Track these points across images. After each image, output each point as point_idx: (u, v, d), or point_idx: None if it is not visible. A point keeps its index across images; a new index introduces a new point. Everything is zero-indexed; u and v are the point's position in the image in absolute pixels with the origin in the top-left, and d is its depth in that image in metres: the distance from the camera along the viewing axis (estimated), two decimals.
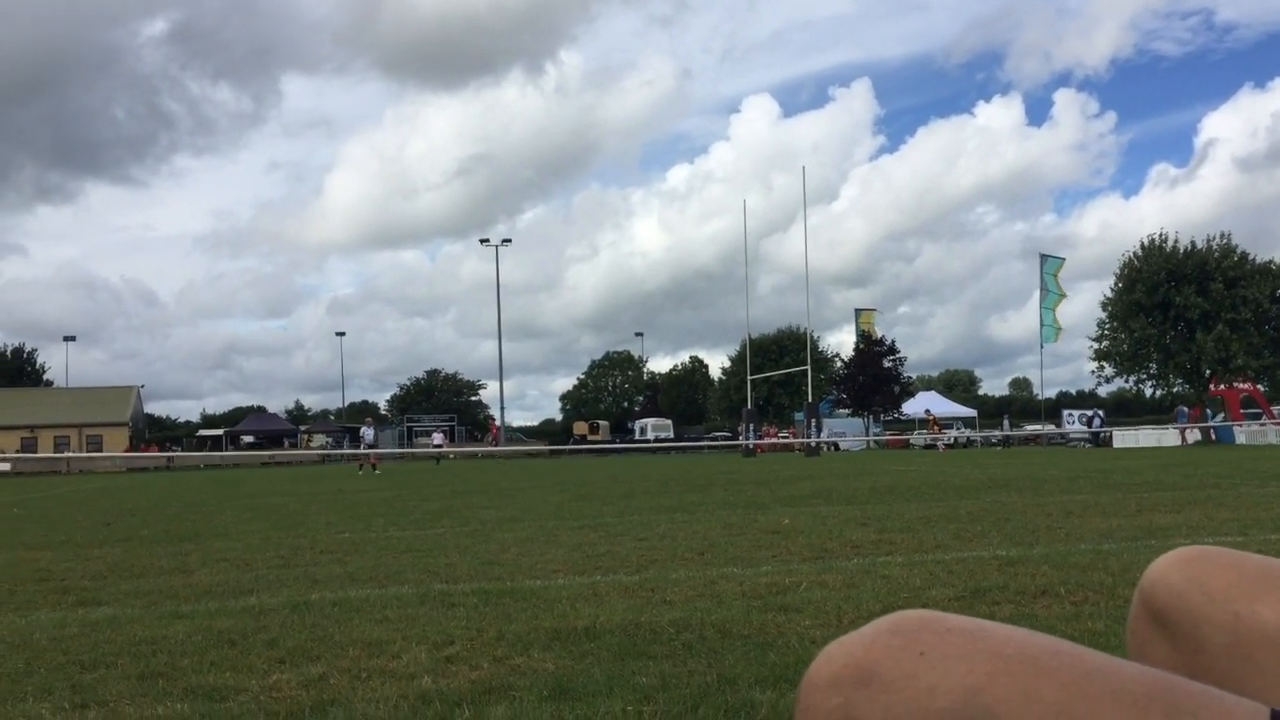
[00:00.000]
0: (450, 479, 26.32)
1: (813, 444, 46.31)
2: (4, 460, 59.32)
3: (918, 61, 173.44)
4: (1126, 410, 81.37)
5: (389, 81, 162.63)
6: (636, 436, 70.52)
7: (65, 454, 62.58)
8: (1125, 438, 47.70)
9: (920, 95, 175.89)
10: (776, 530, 9.35)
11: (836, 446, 55.79)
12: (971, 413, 73.31)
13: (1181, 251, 56.07)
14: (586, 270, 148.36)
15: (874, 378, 65.89)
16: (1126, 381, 60.16)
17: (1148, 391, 61.92)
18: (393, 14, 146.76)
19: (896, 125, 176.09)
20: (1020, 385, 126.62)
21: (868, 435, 58.82)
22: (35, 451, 65.89)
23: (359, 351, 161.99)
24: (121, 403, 78.20)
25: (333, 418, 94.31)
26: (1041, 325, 63.18)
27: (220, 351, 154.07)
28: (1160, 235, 56.88)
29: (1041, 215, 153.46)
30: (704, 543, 8.45)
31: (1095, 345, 58.17)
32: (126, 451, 64.28)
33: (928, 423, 56.00)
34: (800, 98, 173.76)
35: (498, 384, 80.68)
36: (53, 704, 3.71)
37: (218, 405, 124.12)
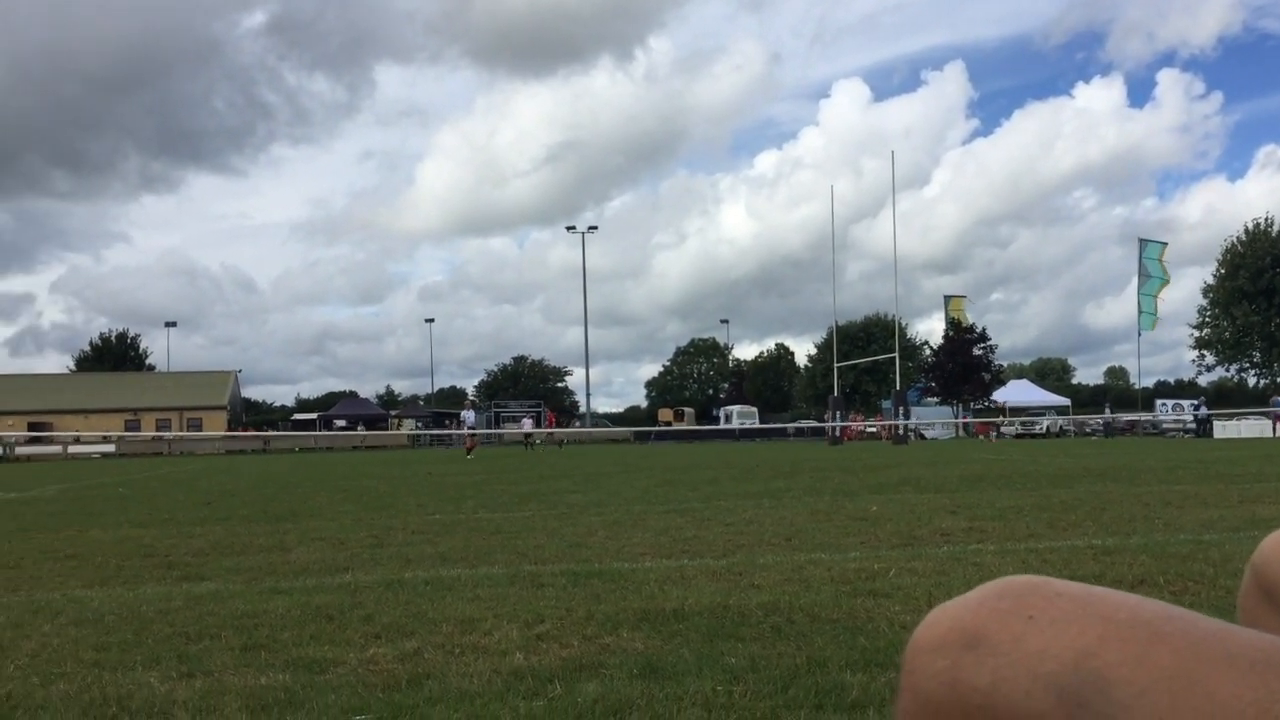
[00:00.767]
0: (537, 464, 26.58)
1: (900, 432, 45.79)
2: (109, 442, 61.47)
3: (1014, 43, 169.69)
4: (1228, 400, 79.02)
5: (480, 70, 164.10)
6: (721, 424, 70.43)
7: (166, 436, 64.59)
8: (1227, 428, 46.28)
9: (1016, 77, 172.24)
10: (864, 517, 9.28)
11: (923, 435, 55.04)
12: (1065, 401, 71.78)
13: None
14: (673, 257, 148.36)
15: (963, 366, 64.90)
16: (1228, 370, 58.27)
17: (1250, 380, 59.94)
18: (484, 3, 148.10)
19: (991, 108, 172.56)
20: (1116, 374, 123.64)
21: (956, 421, 57.93)
22: (138, 433, 68.13)
23: (448, 338, 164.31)
24: (220, 387, 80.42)
25: (422, 403, 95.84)
26: (1140, 312, 61.54)
27: (315, 337, 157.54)
28: (1266, 220, 54.93)
29: (1142, 199, 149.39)
30: (791, 528, 8.43)
31: (1196, 333, 56.46)
32: (225, 434, 66.11)
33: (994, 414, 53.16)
34: (892, 81, 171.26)
35: (584, 370, 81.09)
36: (161, 672, 3.84)
37: (312, 390, 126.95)
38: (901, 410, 48.22)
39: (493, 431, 57.40)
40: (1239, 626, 0.75)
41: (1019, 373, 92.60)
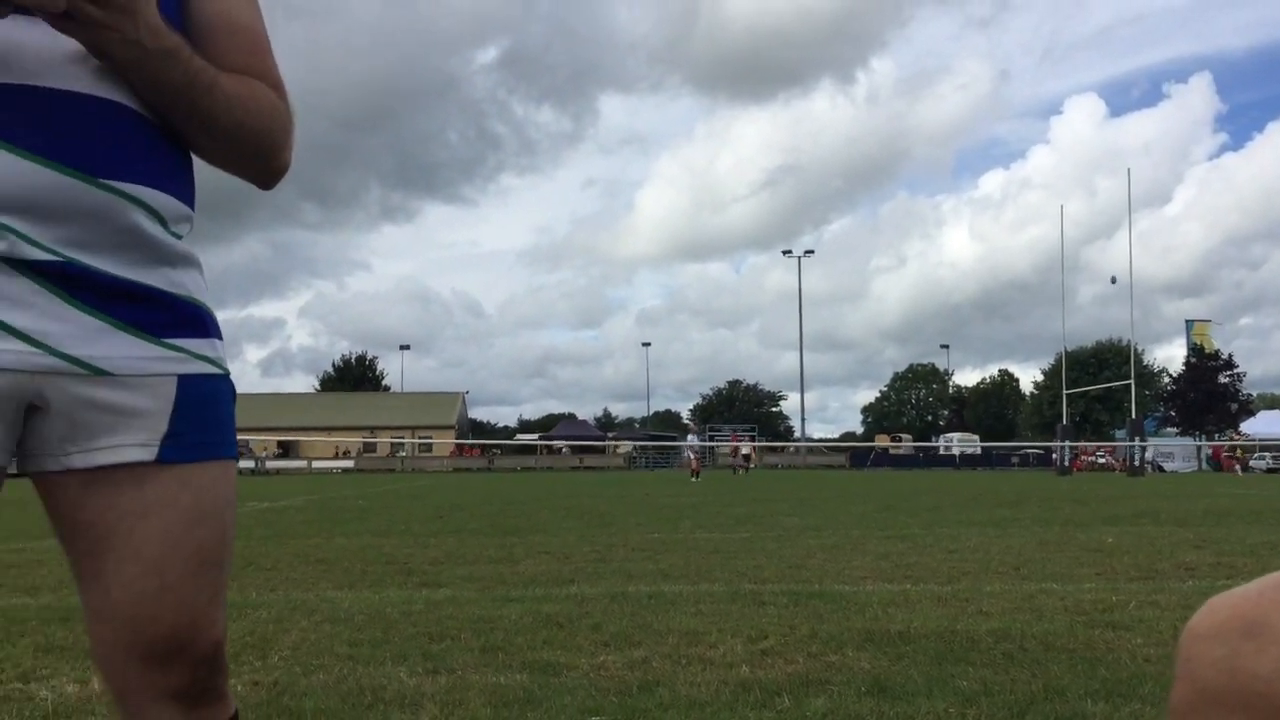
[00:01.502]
0: (752, 487, 26.59)
1: (1135, 463, 43.33)
2: (348, 458, 65.34)
3: (1265, 52, 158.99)
4: None
5: (700, 97, 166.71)
6: (941, 451, 68.46)
7: (400, 453, 68.06)
8: None
9: (1269, 88, 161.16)
10: (1098, 549, 8.86)
11: (1161, 467, 51.90)
12: None
13: None
14: (892, 281, 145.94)
15: (1207, 394, 60.94)
16: None
17: None
18: (705, 31, 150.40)
19: (1241, 121, 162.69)
20: None
21: (1199, 451, 54.37)
22: (374, 451, 72.08)
23: (664, 361, 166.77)
24: (449, 407, 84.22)
25: (638, 425, 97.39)
26: None
27: (537, 360, 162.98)
28: None
29: None
30: (1019, 558, 8.14)
31: None
32: (452, 454, 69.14)
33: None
34: (1130, 95, 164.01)
35: (799, 395, 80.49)
36: (408, 668, 4.09)
37: (534, 411, 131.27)
38: (1137, 440, 45.59)
39: (708, 445, 57.74)
40: None
41: (1270, 403, 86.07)
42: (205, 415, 1.41)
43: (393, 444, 73.66)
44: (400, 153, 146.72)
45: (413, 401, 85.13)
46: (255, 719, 3.40)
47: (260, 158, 1.49)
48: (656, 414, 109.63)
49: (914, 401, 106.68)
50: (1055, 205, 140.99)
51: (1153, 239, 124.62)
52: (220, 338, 1.47)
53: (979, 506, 15.95)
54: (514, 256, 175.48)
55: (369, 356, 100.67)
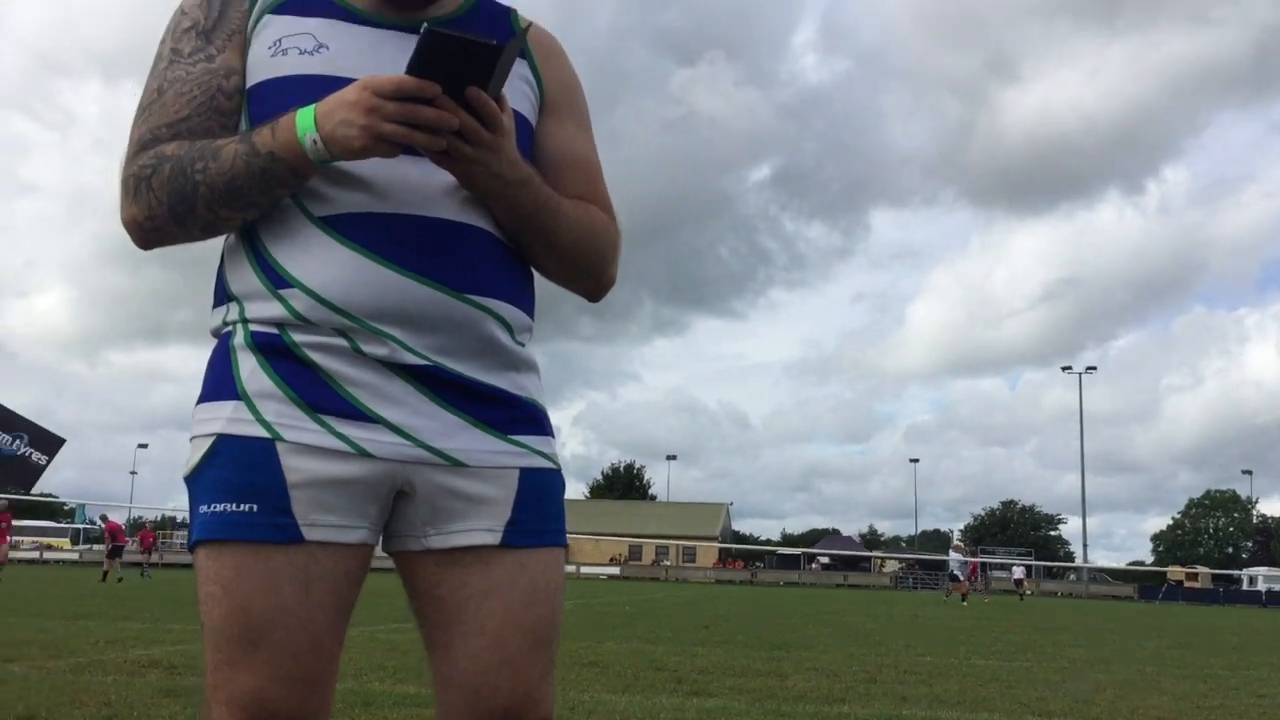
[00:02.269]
0: (1031, 613, 25.14)
1: None
2: (614, 564, 66.57)
3: None
4: None
5: (975, 209, 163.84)
6: (1244, 586, 62.43)
7: (664, 561, 68.71)
8: None
9: None
10: None
11: None
12: None
13: None
14: (1186, 400, 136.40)
15: None
16: None
17: None
18: (981, 143, 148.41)
19: None
20: None
21: None
22: (640, 559, 73.08)
23: (933, 479, 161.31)
24: (713, 518, 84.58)
25: (904, 544, 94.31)
26: None
27: (802, 474, 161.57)
28: None
29: None
30: None
31: None
32: (715, 564, 69.15)
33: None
34: None
35: (1080, 519, 75.87)
36: None
37: (797, 525, 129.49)
38: None
39: (974, 560, 55.04)
40: None
41: None
42: (541, 505, 1.56)
43: (658, 551, 74.46)
44: (673, 268, 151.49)
45: (678, 511, 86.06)
46: None
47: (592, 273, 1.68)
48: (924, 533, 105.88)
49: (1212, 531, 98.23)
50: None
51: None
52: (553, 435, 1.63)
53: None
54: (781, 369, 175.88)
55: (637, 465, 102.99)
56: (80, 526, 67.70)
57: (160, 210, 1.49)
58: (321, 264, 1.47)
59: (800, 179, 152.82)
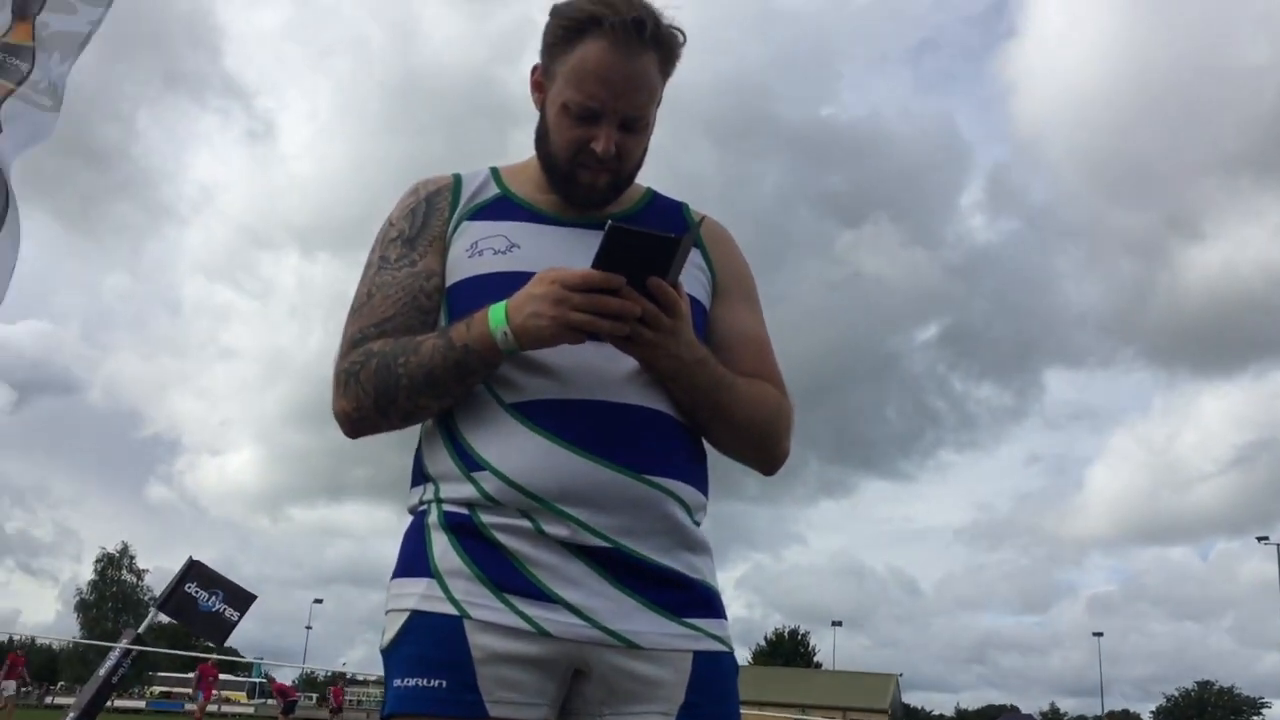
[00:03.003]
0: None
1: None
2: None
3: None
4: None
5: (1157, 370, 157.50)
6: None
7: None
8: None
9: None
10: None
11: None
12: None
13: None
14: None
15: None
16: None
17: None
18: (1162, 302, 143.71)
19: None
20: None
21: None
22: None
23: (1120, 654, 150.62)
24: (882, 690, 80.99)
25: None
26: None
27: (975, 645, 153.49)
28: None
29: None
30: None
31: None
32: None
33: None
34: None
35: None
36: None
37: (972, 700, 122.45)
38: None
39: None
40: None
41: None
42: (715, 689, 1.60)
43: None
44: (839, 428, 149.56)
45: (844, 681, 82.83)
46: None
47: (767, 447, 1.75)
48: (1111, 713, 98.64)
49: None
50: None
51: None
52: (725, 618, 1.68)
53: None
54: (952, 533, 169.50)
55: (802, 631, 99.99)
56: (256, 681, 69.64)
57: (366, 401, 1.63)
58: (510, 448, 1.57)
59: (969, 338, 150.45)
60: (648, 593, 1.57)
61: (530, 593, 1.53)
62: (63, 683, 68.68)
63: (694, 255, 1.75)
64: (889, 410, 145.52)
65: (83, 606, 69.11)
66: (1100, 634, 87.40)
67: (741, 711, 1.69)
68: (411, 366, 1.59)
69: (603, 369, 1.60)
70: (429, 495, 1.65)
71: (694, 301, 1.69)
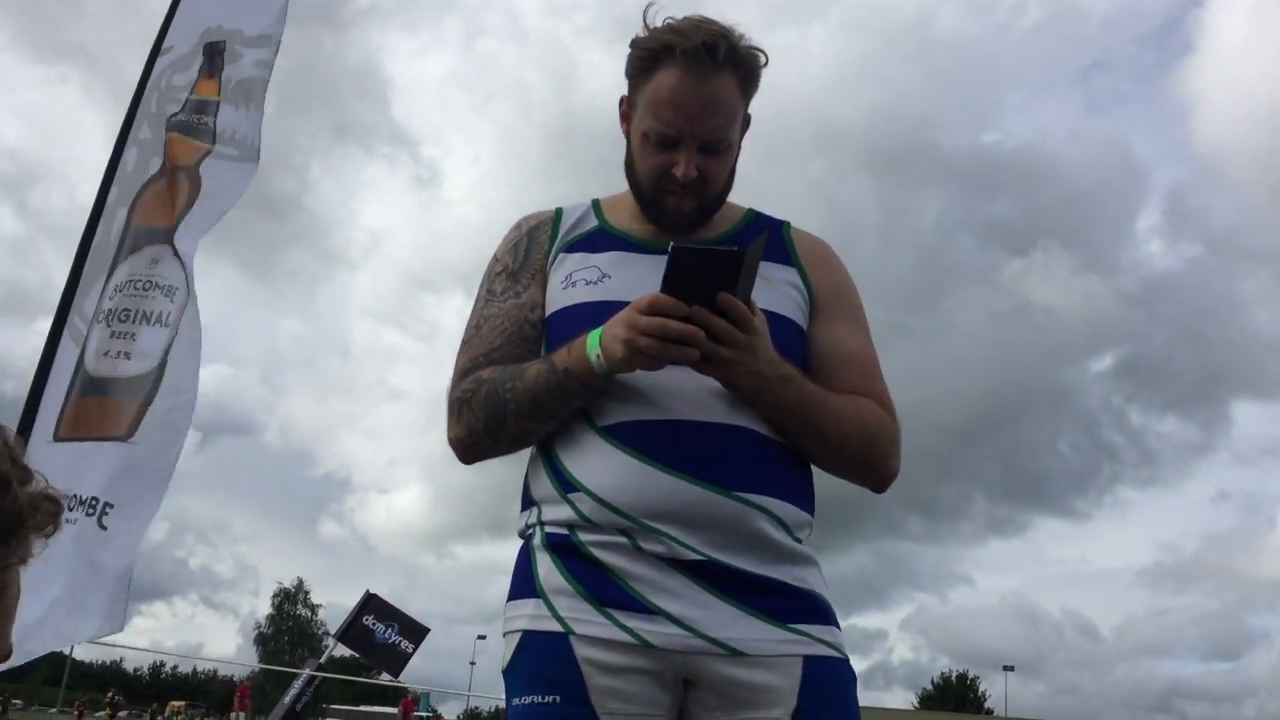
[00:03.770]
0: None
1: None
2: None
3: None
4: None
5: None
6: None
7: None
8: None
9: None
10: None
11: None
12: None
13: None
14: None
15: None
16: None
17: None
18: None
19: None
20: None
21: None
22: None
23: None
24: None
25: None
26: None
27: (1161, 693, 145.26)
28: None
29: None
30: None
31: None
32: None
33: None
34: None
35: None
36: None
37: None
38: None
39: None
40: None
41: None
42: (829, 694, 1.60)
43: None
44: (1008, 464, 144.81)
45: None
46: None
47: (869, 465, 1.75)
48: None
49: None
50: None
51: None
52: (838, 626, 1.68)
53: None
54: (1133, 575, 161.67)
55: (970, 675, 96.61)
56: (426, 715, 71.22)
57: (478, 426, 1.71)
58: (603, 469, 1.63)
59: (1149, 370, 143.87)
60: (749, 600, 1.59)
61: (631, 606, 1.58)
62: (244, 714, 71.58)
63: (789, 274, 1.80)
64: (1062, 445, 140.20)
65: (261, 640, 72.15)
66: None
67: None
68: (518, 391, 1.67)
69: (689, 389, 1.64)
70: (533, 519, 1.71)
71: (787, 320, 1.73)
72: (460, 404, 1.74)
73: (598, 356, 1.60)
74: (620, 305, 1.63)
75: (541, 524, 1.69)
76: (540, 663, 1.60)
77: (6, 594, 0.89)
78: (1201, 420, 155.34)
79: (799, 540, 1.68)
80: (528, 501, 1.75)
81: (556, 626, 1.59)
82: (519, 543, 1.74)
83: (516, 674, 1.63)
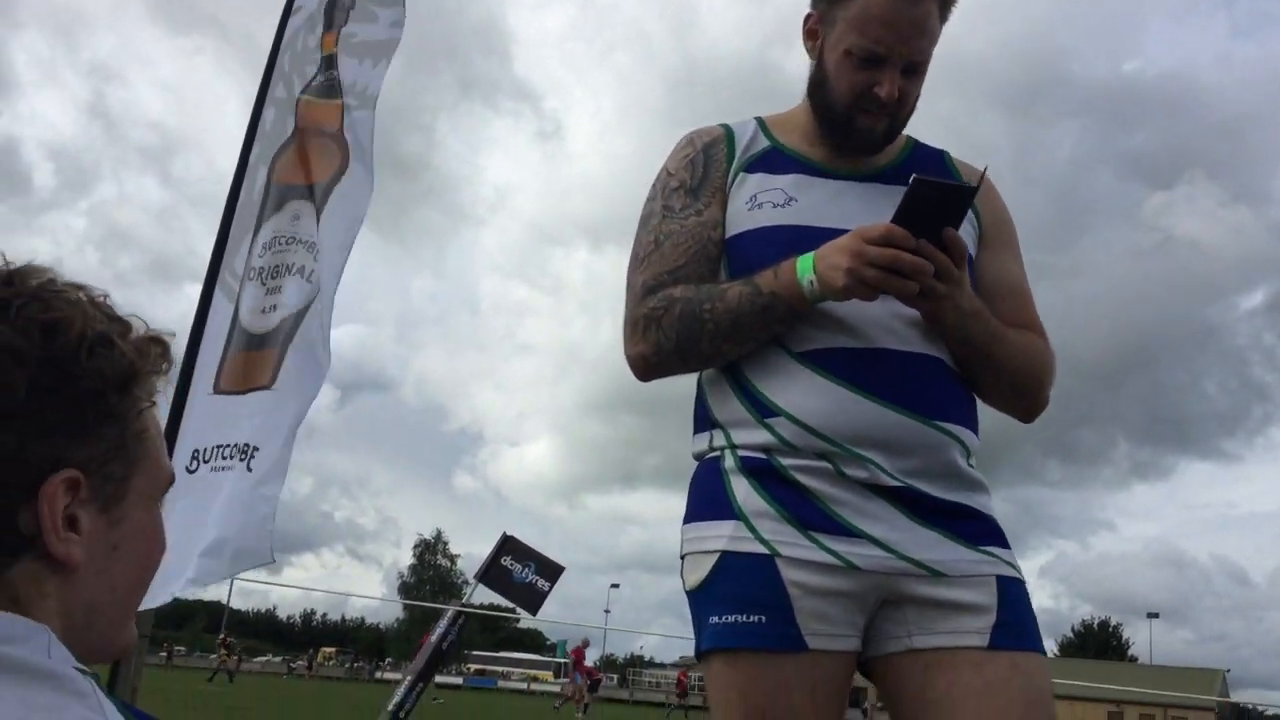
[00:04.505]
0: None
1: None
2: None
3: None
4: None
5: None
6: None
7: None
8: None
9: None
10: None
11: None
12: None
13: None
14: None
15: None
16: None
17: None
18: None
19: None
20: None
21: None
22: None
23: None
24: (1206, 686, 75.16)
25: None
26: None
27: None
28: None
29: None
30: None
31: None
32: None
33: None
34: None
35: None
36: None
37: None
38: None
39: None
40: None
41: None
42: (1020, 611, 1.64)
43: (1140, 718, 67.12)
44: (1151, 406, 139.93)
45: (1163, 676, 77.46)
46: None
47: (1029, 396, 1.78)
48: None
49: None
50: None
51: None
52: (1011, 549, 1.72)
53: None
54: None
55: (1113, 623, 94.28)
56: (561, 661, 73.00)
57: (668, 346, 1.70)
58: (805, 395, 1.64)
59: None
60: (945, 525, 1.63)
61: (835, 529, 1.60)
62: (390, 659, 74.50)
63: None
64: (1209, 385, 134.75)
65: (404, 589, 74.61)
66: None
67: (1053, 703, 1.64)
68: (718, 313, 1.65)
69: (885, 318, 1.65)
70: (720, 441, 1.71)
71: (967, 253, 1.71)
72: (648, 321, 1.72)
73: (811, 283, 1.59)
74: (807, 230, 1.66)
75: (733, 447, 1.69)
76: (744, 583, 1.60)
77: (146, 435, 0.93)
78: None
79: (973, 466, 1.72)
80: (708, 424, 1.76)
81: (760, 549, 1.60)
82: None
83: (714, 594, 1.63)
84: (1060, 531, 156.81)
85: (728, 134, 1.85)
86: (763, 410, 1.66)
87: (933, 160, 1.87)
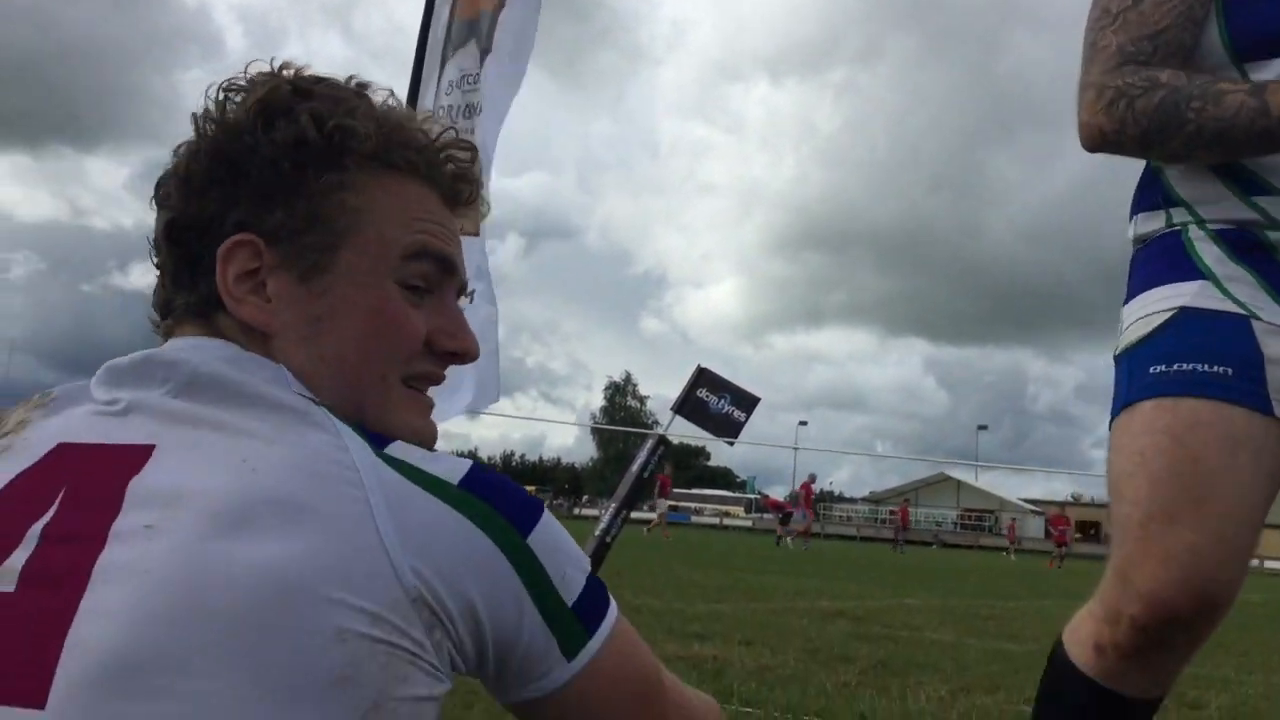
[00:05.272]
0: None
1: None
2: None
3: None
4: None
5: None
6: None
7: None
8: None
9: None
10: None
11: None
12: None
13: None
14: None
15: None
16: None
17: None
18: None
19: None
20: None
21: None
22: None
23: None
24: None
25: None
26: None
27: None
28: None
29: None
30: None
31: None
32: None
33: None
34: None
35: None
36: None
37: None
38: None
39: None
40: None
41: None
42: None
43: None
44: None
45: None
46: None
47: None
48: None
49: None
50: None
51: None
52: None
53: None
54: None
55: None
56: (751, 497, 74.49)
57: (1133, 130, 1.53)
58: None
59: None
60: None
61: None
62: (586, 496, 77.75)
63: None
64: None
65: (597, 430, 77.23)
66: None
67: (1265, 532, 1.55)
68: (1206, 117, 1.47)
69: None
70: (1180, 218, 1.59)
71: None
72: (1120, 96, 1.54)
73: None
74: None
75: (1202, 220, 1.56)
76: (1207, 336, 1.48)
77: (362, 213, 0.92)
78: None
79: None
80: (1165, 202, 1.62)
81: (1233, 308, 1.49)
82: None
83: (1161, 345, 1.52)
84: None
85: None
86: (1252, 188, 1.52)
87: None
